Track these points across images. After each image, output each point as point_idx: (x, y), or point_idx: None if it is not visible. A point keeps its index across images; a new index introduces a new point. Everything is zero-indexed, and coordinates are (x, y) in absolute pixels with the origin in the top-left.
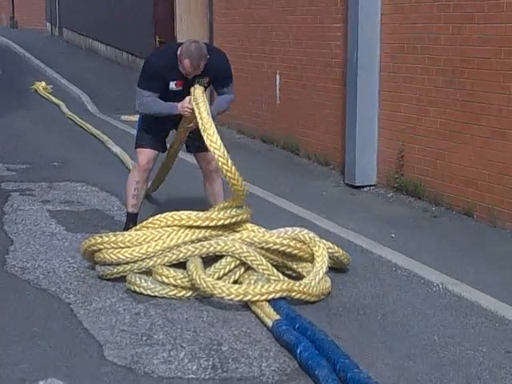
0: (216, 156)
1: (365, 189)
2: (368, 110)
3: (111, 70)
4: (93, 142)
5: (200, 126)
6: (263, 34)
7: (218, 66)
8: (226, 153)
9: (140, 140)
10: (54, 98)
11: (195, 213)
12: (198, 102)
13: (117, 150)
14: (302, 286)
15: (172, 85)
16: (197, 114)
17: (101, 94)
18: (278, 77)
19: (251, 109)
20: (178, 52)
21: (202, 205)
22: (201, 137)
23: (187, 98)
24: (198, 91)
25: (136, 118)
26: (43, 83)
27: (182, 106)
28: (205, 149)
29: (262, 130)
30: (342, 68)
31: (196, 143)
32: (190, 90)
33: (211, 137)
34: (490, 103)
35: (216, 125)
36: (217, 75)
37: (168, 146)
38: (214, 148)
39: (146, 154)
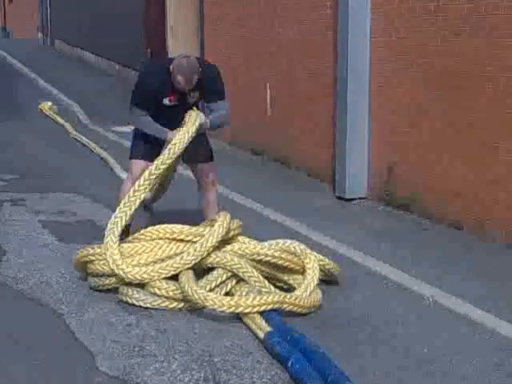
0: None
1: (355, 201)
2: (358, 122)
3: (102, 81)
4: (85, 153)
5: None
6: (254, 46)
7: (210, 78)
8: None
9: (134, 151)
10: (59, 119)
11: (187, 227)
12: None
13: (123, 176)
14: (293, 298)
15: (166, 101)
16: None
17: (92, 104)
18: (268, 89)
19: (242, 121)
20: (171, 68)
21: (195, 217)
22: (197, 147)
23: (175, 132)
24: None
25: (127, 128)
26: (49, 103)
27: (173, 136)
28: (201, 160)
29: (252, 142)
30: (332, 80)
31: (193, 156)
32: (184, 107)
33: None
34: (480, 116)
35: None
36: (209, 87)
37: None
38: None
39: (139, 166)
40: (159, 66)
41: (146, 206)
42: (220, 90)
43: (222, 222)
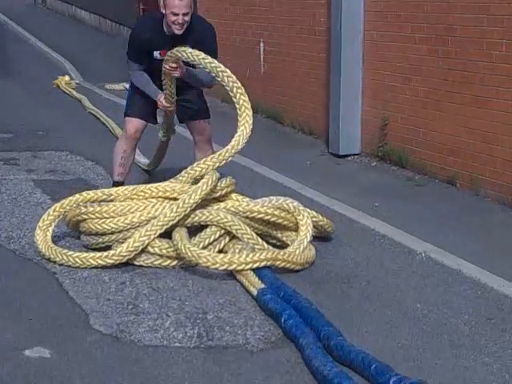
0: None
1: (349, 158)
2: (352, 78)
3: (95, 38)
4: (78, 111)
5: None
6: (247, 2)
7: (203, 37)
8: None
9: (129, 109)
10: (75, 94)
11: (179, 185)
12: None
13: (144, 161)
14: (286, 255)
15: (156, 54)
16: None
17: (85, 62)
18: (261, 45)
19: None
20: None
21: None
22: (193, 105)
23: (162, 96)
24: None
25: (120, 86)
26: (66, 77)
27: (159, 99)
28: (197, 118)
29: None
30: (325, 36)
31: (188, 113)
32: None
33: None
34: (473, 71)
35: None
36: (201, 46)
37: (159, 118)
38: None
39: (134, 124)
40: (152, 18)
41: (148, 172)
42: (212, 51)
43: (207, 180)
